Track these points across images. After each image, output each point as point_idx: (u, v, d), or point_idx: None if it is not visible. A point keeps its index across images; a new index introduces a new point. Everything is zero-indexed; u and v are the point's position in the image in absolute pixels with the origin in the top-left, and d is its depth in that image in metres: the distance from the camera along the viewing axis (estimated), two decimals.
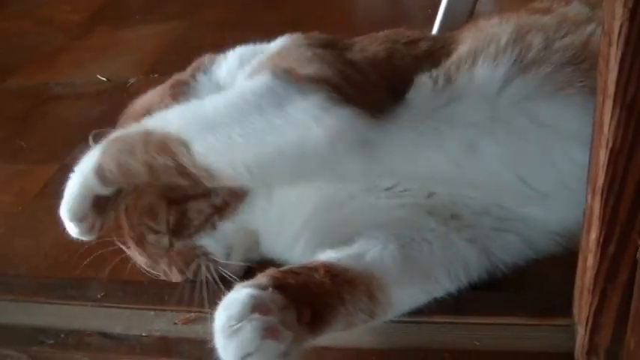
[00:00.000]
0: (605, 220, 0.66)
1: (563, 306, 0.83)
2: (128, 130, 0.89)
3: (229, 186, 0.91)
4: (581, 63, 0.85)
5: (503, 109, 0.86)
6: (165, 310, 0.93)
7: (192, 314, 0.91)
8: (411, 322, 0.87)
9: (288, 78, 0.84)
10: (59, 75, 1.70)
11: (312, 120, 0.80)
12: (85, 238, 0.92)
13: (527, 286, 0.90)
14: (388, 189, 0.92)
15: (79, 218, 0.89)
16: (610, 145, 0.62)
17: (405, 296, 0.85)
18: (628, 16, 0.56)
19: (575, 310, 0.79)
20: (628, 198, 0.64)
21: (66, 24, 2.01)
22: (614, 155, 0.62)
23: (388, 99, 0.88)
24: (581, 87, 0.83)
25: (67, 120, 1.19)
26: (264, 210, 0.98)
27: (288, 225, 0.95)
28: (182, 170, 0.82)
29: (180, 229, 0.97)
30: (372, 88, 0.88)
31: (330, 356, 0.84)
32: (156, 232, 0.98)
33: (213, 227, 0.98)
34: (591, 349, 0.76)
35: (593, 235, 0.68)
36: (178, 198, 0.97)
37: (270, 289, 0.73)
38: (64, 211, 0.89)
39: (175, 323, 0.91)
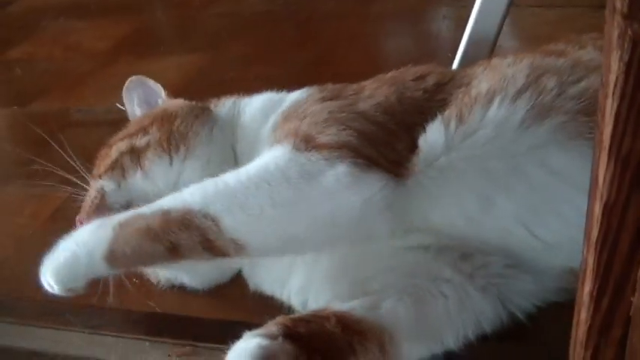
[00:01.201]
0: (599, 273, 0.65)
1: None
2: (141, 210, 0.86)
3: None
4: (594, 114, 0.85)
5: (519, 155, 0.85)
6: (160, 342, 0.92)
7: (187, 347, 0.91)
8: None
9: (309, 147, 0.85)
10: (81, 102, 1.73)
11: (343, 188, 0.82)
12: None
13: (528, 337, 0.88)
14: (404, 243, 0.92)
15: (67, 290, 0.86)
16: (604, 198, 0.61)
17: (413, 351, 0.84)
18: (624, 70, 0.56)
19: None
20: (622, 252, 0.63)
21: (93, 51, 2.05)
22: (608, 209, 0.61)
23: (406, 149, 0.88)
24: (591, 138, 0.82)
25: (83, 147, 1.20)
26: None
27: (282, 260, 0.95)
28: (208, 245, 0.81)
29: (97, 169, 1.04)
30: (390, 139, 0.89)
31: None
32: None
33: (123, 175, 1.00)
34: None
35: (587, 288, 0.67)
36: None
37: (281, 338, 0.72)
38: (54, 275, 0.84)
39: (169, 355, 0.90)
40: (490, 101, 0.88)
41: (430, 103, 0.93)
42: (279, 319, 0.76)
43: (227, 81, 1.73)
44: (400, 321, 0.82)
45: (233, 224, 0.80)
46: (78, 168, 1.08)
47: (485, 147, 0.86)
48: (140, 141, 1.02)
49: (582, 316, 0.69)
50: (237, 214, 0.81)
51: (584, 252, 0.68)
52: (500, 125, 0.86)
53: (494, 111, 0.87)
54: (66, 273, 0.85)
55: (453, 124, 0.88)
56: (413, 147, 0.89)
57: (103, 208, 0.96)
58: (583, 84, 0.87)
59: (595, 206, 0.62)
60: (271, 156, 0.86)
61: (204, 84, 1.79)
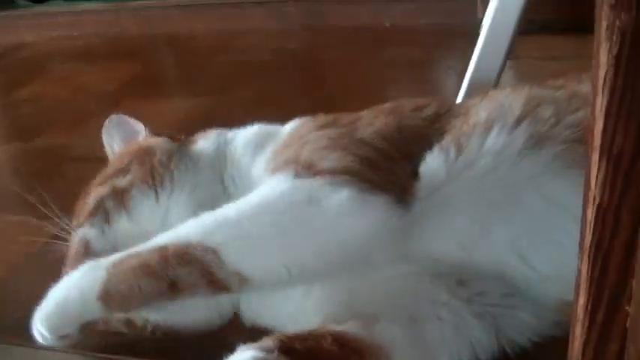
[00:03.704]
0: (593, 283, 0.62)
1: None
2: (137, 249, 0.83)
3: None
4: None
5: (516, 184, 0.85)
6: None
7: None
8: None
9: (311, 174, 0.84)
10: (84, 138, 1.73)
11: (348, 213, 0.81)
12: None
13: None
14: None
15: (60, 337, 0.83)
16: (597, 201, 0.59)
17: None
18: (613, 63, 0.55)
19: None
20: (617, 259, 0.60)
21: (98, 93, 2.07)
22: (601, 212, 0.59)
23: (407, 176, 0.88)
24: None
25: (82, 180, 1.19)
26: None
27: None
28: (210, 279, 0.79)
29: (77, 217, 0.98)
30: (391, 165, 0.89)
31: None
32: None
33: (106, 220, 0.96)
34: None
35: (582, 300, 0.64)
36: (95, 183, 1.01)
37: (277, 352, 0.70)
38: (45, 321, 0.82)
39: None
40: (488, 130, 0.88)
41: (429, 131, 0.93)
42: (276, 334, 0.75)
43: (230, 123, 1.73)
44: (396, 340, 0.79)
45: (235, 255, 0.78)
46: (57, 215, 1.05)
47: (485, 177, 0.86)
48: (121, 181, 0.98)
49: (577, 331, 0.66)
50: (239, 245, 0.79)
51: (579, 263, 0.65)
52: (499, 154, 0.86)
53: (493, 140, 0.87)
54: (58, 319, 0.82)
55: (452, 153, 0.88)
56: (413, 174, 0.88)
57: (88, 257, 0.91)
58: (580, 114, 0.87)
59: (588, 211, 0.60)
60: (272, 184, 0.85)
61: (209, 126, 1.79)
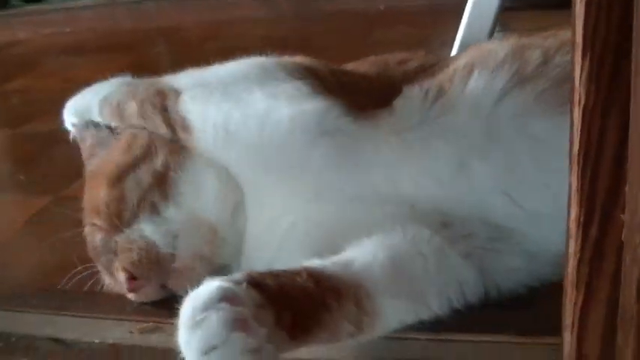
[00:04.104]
0: (584, 194, 0.59)
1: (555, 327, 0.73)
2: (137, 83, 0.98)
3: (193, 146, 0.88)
4: None
5: (498, 123, 0.81)
6: (123, 320, 0.86)
7: (150, 324, 0.84)
8: (393, 338, 0.78)
9: (281, 61, 0.89)
10: None
11: (285, 100, 0.82)
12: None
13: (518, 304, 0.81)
14: (369, 197, 0.85)
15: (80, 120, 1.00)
16: (582, 101, 0.56)
17: (394, 310, 0.76)
18: None
19: (563, 319, 0.69)
20: (607, 165, 0.57)
21: (88, 83, 2.05)
22: (587, 113, 0.56)
23: (373, 103, 0.85)
24: None
25: (70, 160, 1.17)
26: (234, 215, 0.88)
27: (265, 237, 0.87)
28: (164, 114, 0.88)
29: (118, 217, 0.86)
30: (359, 91, 0.87)
31: None
32: (100, 229, 0.88)
33: (155, 211, 0.86)
34: None
35: (573, 214, 0.60)
36: (120, 175, 0.89)
37: (245, 284, 0.64)
38: (71, 105, 1.02)
39: (131, 332, 0.84)
40: (470, 73, 0.86)
41: (409, 79, 0.90)
42: (246, 270, 0.70)
43: None
44: (376, 276, 0.75)
45: (187, 99, 0.86)
46: None
47: (464, 115, 0.83)
48: (157, 165, 0.89)
49: (571, 249, 0.62)
50: (194, 93, 0.86)
51: (569, 176, 0.61)
52: (480, 94, 0.83)
53: (474, 82, 0.84)
54: (77, 103, 1.02)
55: (432, 92, 0.85)
56: (382, 105, 0.85)
57: (156, 259, 0.84)
58: (570, 56, 0.84)
59: (574, 114, 0.57)
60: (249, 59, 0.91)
61: None
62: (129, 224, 0.85)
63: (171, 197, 0.86)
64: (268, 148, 0.82)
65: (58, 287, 0.92)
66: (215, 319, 0.60)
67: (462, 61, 0.89)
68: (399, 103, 0.85)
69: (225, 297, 0.62)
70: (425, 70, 0.92)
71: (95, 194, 0.90)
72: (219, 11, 2.41)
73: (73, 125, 1.02)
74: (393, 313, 0.75)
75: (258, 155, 0.84)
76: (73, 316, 0.88)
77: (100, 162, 0.95)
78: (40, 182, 1.41)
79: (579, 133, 0.57)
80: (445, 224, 0.82)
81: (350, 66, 0.97)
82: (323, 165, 0.82)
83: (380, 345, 0.77)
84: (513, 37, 0.92)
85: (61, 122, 1.04)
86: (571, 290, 0.63)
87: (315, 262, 0.75)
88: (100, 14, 2.57)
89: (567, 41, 0.87)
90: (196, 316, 0.60)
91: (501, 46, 0.88)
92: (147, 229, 0.85)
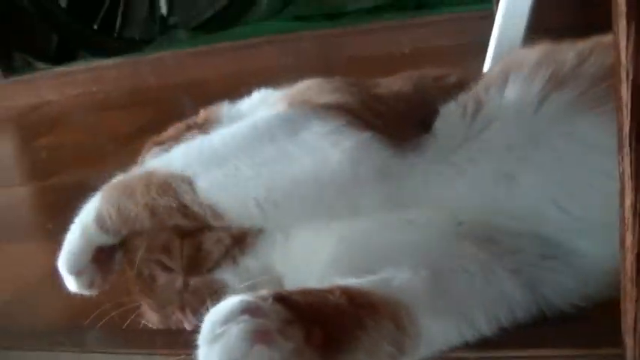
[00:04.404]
0: (639, 179, 0.54)
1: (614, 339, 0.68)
2: (131, 173, 0.85)
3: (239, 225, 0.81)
4: None
5: (540, 129, 0.78)
6: (154, 355, 0.82)
7: (182, 356, 0.80)
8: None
9: (304, 107, 0.79)
10: (99, 174, 1.71)
11: (329, 145, 0.75)
12: (84, 293, 0.85)
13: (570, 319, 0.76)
14: (413, 221, 0.81)
15: (77, 271, 0.84)
16: (631, 75, 0.52)
17: (438, 331, 0.71)
18: None
19: (623, 321, 0.64)
20: None
21: (116, 135, 2.05)
22: (637, 89, 0.52)
23: (414, 129, 0.82)
24: None
25: None
26: (283, 252, 0.86)
27: (309, 268, 0.82)
28: (185, 211, 0.77)
29: (195, 264, 0.85)
30: (397, 118, 0.83)
31: None
32: (169, 270, 0.86)
33: (235, 262, 0.84)
34: None
35: (628, 201, 0.56)
36: (192, 230, 0.85)
37: (271, 299, 0.60)
38: (62, 262, 0.84)
39: None
40: (505, 81, 0.83)
41: (447, 95, 0.87)
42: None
43: None
44: (417, 294, 0.70)
45: (207, 186, 0.75)
46: None
47: (506, 125, 0.80)
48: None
49: (628, 242, 0.57)
50: (212, 175, 0.76)
51: (618, 159, 0.57)
52: (518, 101, 0.80)
53: (510, 88, 0.82)
54: (69, 254, 0.84)
55: (470, 108, 0.82)
56: (422, 129, 0.82)
57: None
58: (604, 57, 0.81)
59: (622, 91, 0.53)
60: (263, 114, 0.81)
61: None
62: (209, 272, 0.85)
63: (249, 250, 0.85)
64: (322, 199, 0.77)
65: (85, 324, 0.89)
66: (235, 331, 0.56)
67: (495, 70, 0.87)
68: (439, 124, 0.82)
69: (247, 310, 0.58)
70: (462, 86, 0.89)
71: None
72: (243, 62, 2.41)
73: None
74: (436, 333, 0.71)
75: (309, 210, 0.79)
76: (101, 352, 0.84)
77: None
78: (66, 230, 1.40)
79: (630, 111, 0.53)
80: (492, 240, 0.78)
81: (385, 82, 0.93)
82: (374, 197, 0.78)
83: None
84: (542, 44, 0.89)
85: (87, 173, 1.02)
86: (630, 287, 0.59)
87: (350, 281, 0.70)
88: (124, 72, 2.59)
89: (601, 43, 0.85)
90: (216, 330, 0.56)
91: (534, 51, 0.86)
92: (227, 276, 0.84)
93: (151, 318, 0.88)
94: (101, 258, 0.85)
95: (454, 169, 0.79)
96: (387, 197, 0.78)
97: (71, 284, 0.84)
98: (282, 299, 0.61)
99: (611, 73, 0.75)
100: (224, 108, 1.04)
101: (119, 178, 0.85)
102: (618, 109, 0.54)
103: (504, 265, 0.76)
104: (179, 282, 0.85)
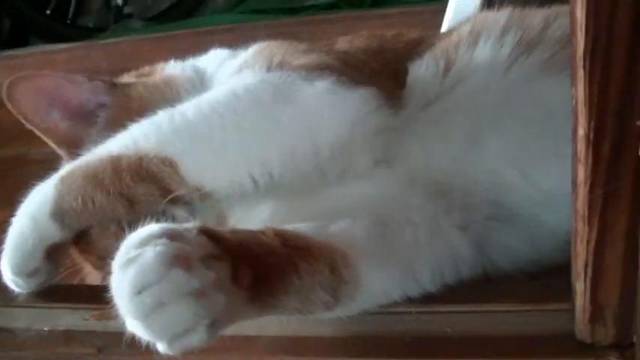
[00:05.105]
0: (593, 104, 0.51)
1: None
2: (87, 159, 0.72)
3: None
4: None
5: (509, 91, 0.77)
6: (77, 309, 0.76)
7: (106, 310, 0.74)
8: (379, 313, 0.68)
9: (284, 68, 0.74)
10: (43, 146, 1.65)
11: (325, 107, 0.71)
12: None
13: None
14: (369, 175, 0.78)
15: (28, 273, 0.72)
16: None
17: (378, 282, 0.66)
18: None
19: (573, 267, 0.60)
20: (619, 65, 0.49)
21: None
22: (591, 9, 0.49)
23: (394, 84, 0.79)
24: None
25: (39, 178, 1.11)
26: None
27: (256, 210, 0.77)
28: (168, 195, 0.68)
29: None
30: (376, 73, 0.79)
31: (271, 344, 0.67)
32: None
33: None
34: (595, 313, 0.57)
35: (581, 130, 0.53)
36: None
37: (196, 230, 0.54)
38: (8, 264, 0.71)
39: (86, 319, 0.73)
40: (475, 41, 0.82)
41: (412, 52, 0.85)
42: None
43: None
44: (356, 240, 0.65)
45: (193, 167, 0.68)
46: None
47: (476, 88, 0.78)
48: None
49: (580, 175, 0.54)
50: (199, 153, 0.69)
51: (572, 84, 0.54)
52: (489, 64, 0.79)
53: (481, 49, 0.81)
54: (18, 254, 0.71)
55: (441, 64, 0.81)
56: (400, 85, 0.80)
57: None
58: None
59: (576, 9, 0.49)
60: (239, 80, 0.74)
61: None
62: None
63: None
64: (318, 162, 0.72)
65: None
66: (152, 253, 0.50)
67: (464, 29, 0.85)
68: (411, 81, 0.80)
69: (166, 234, 0.51)
70: (425, 42, 0.87)
71: None
72: (198, 48, 2.37)
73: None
74: (376, 285, 0.66)
75: (308, 175, 0.73)
76: (23, 306, 0.78)
77: None
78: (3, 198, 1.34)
79: (584, 32, 0.49)
80: (443, 195, 0.75)
81: (344, 40, 0.90)
82: (368, 156, 0.75)
83: (364, 320, 0.67)
84: (509, 7, 0.87)
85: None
86: (582, 227, 0.55)
87: (285, 226, 0.64)
88: (76, 55, 2.51)
89: (565, 9, 0.83)
90: (130, 253, 0.50)
91: (501, 15, 0.85)
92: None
93: (96, 278, 0.81)
94: (54, 252, 0.74)
95: (424, 127, 0.77)
96: (380, 155, 0.75)
97: (20, 286, 0.73)
98: (208, 232, 0.55)
99: None
100: (177, 66, 0.96)
101: (73, 165, 0.73)
102: (573, 33, 0.51)
103: (452, 220, 0.73)
104: (116, 230, 0.73)
